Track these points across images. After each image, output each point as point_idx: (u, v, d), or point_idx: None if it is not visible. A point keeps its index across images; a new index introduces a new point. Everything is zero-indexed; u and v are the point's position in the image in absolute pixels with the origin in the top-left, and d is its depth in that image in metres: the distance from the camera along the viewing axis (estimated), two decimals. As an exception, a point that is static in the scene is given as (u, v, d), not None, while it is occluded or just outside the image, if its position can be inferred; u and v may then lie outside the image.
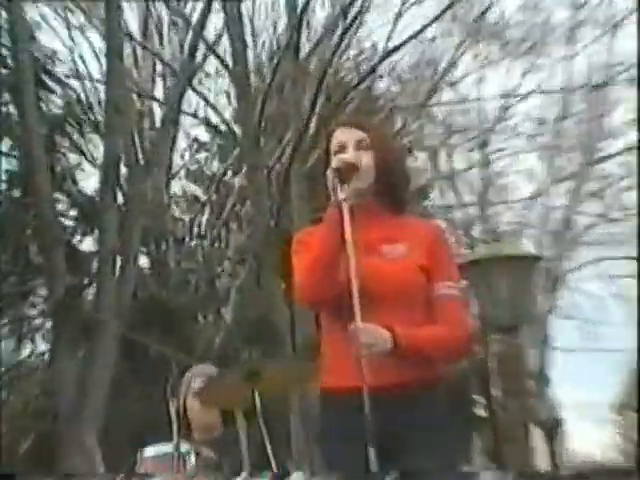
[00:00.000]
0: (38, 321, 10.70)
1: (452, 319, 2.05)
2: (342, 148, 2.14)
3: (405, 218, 2.20)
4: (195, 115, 12.76)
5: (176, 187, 13.38)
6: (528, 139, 14.22)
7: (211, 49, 10.46)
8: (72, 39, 11.99)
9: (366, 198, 2.11)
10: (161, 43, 12.90)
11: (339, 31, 9.57)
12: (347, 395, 1.94)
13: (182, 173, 13.54)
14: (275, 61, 10.01)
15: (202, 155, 13.74)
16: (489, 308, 6.22)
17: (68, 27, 11.96)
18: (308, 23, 10.74)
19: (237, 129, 10.58)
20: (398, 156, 2.34)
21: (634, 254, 13.24)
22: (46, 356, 10.19)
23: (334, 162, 2.09)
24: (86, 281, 9.63)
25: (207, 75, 12.44)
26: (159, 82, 13.17)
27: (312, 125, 9.00)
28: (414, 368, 2.00)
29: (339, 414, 2.02)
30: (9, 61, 8.65)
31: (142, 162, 10.81)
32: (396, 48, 9.84)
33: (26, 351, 10.97)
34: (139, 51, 12.77)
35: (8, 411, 10.12)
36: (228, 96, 12.37)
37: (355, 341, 1.89)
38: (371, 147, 2.13)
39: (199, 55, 10.77)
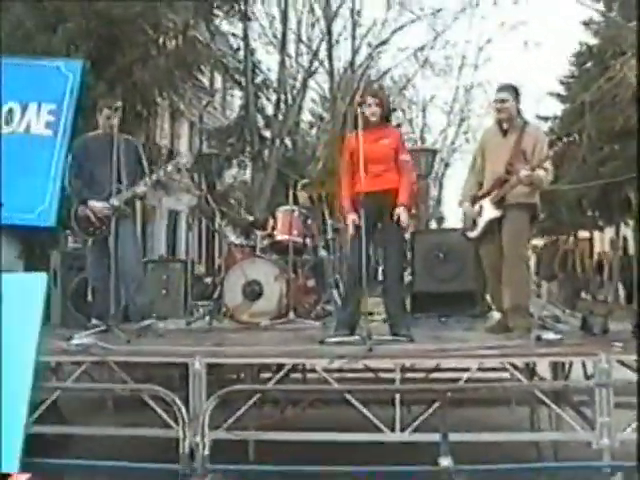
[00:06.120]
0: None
1: (408, 171, 5.49)
2: (367, 105, 5.49)
3: (389, 128, 5.63)
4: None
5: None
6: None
7: None
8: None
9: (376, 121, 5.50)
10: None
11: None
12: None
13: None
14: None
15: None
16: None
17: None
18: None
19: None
20: (387, 105, 5.72)
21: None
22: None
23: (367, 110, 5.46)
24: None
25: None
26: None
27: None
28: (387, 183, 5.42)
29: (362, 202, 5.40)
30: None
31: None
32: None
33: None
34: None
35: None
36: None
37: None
38: (379, 104, 5.49)
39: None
